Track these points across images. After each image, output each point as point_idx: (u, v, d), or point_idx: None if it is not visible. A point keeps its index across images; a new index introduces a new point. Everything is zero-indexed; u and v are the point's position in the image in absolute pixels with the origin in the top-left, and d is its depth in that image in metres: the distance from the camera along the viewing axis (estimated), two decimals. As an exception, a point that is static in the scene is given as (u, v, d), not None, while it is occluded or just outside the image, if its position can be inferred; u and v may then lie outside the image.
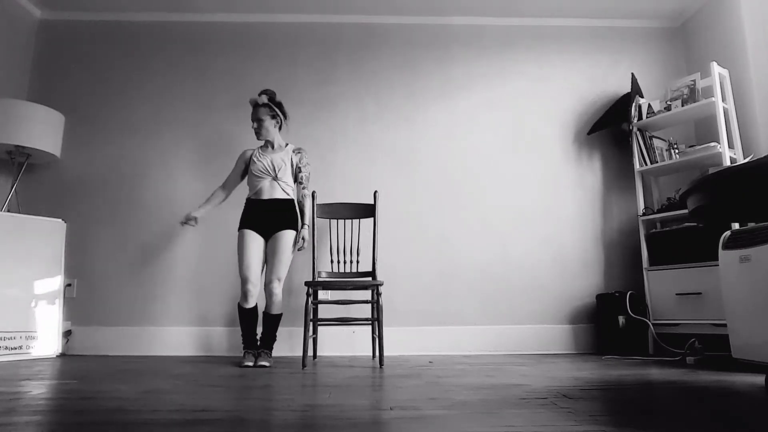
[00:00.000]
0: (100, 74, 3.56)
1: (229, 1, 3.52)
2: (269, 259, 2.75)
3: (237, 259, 2.77)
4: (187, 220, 2.82)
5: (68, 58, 3.58)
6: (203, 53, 3.61)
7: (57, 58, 3.58)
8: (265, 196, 2.80)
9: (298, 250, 2.78)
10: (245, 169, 2.92)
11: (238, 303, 2.73)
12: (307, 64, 3.61)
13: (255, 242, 2.74)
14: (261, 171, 2.80)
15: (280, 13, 3.64)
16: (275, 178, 2.80)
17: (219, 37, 3.64)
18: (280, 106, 2.92)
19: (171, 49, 3.61)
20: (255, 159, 2.85)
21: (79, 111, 3.49)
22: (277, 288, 2.70)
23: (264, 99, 2.86)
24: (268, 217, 2.77)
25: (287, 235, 2.75)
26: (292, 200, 2.84)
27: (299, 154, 2.90)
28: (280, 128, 2.94)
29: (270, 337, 2.73)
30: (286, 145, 2.94)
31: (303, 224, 2.79)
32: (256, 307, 2.74)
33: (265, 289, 2.72)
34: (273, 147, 2.90)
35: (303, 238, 2.75)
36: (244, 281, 2.69)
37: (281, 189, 2.82)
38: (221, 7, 3.57)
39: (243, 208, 2.85)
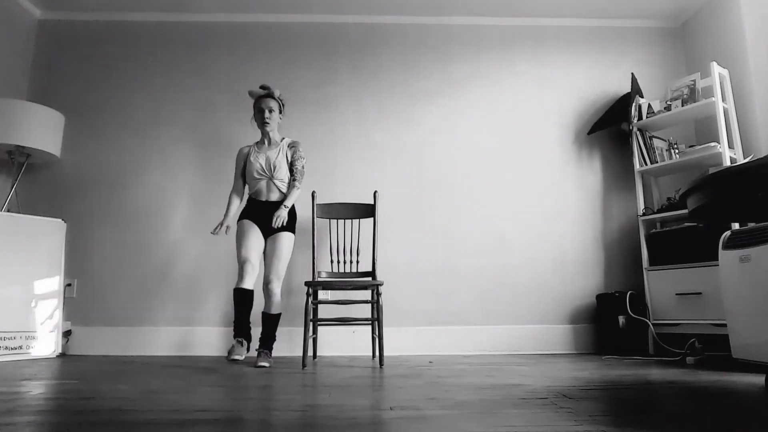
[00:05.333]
0: (100, 74, 3.56)
1: (229, 1, 3.52)
2: (267, 258, 2.74)
3: (236, 246, 2.75)
4: (221, 227, 2.76)
5: (68, 58, 3.58)
6: (203, 53, 3.61)
7: (57, 58, 3.58)
8: (263, 197, 2.81)
9: (273, 225, 2.67)
10: (245, 167, 2.89)
11: (234, 287, 2.65)
12: (307, 64, 3.61)
13: (254, 231, 2.76)
14: (258, 172, 2.80)
15: (280, 13, 3.64)
16: (271, 179, 2.80)
17: (219, 37, 3.64)
18: (282, 102, 2.93)
19: (171, 49, 3.61)
20: (251, 159, 2.83)
21: (79, 111, 3.49)
22: (276, 287, 2.69)
23: (278, 92, 2.87)
24: (266, 217, 2.77)
25: (285, 237, 2.76)
26: None
27: (293, 148, 2.87)
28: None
29: (269, 337, 2.73)
30: (282, 140, 2.91)
31: (281, 205, 2.72)
32: (252, 292, 2.68)
33: (263, 289, 2.70)
34: (269, 143, 2.88)
35: (278, 214, 2.67)
36: (243, 262, 2.65)
37: (278, 189, 2.82)
38: (221, 7, 3.57)
39: (246, 202, 2.89)
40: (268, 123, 2.83)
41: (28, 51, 3.54)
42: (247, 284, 2.65)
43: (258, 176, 2.80)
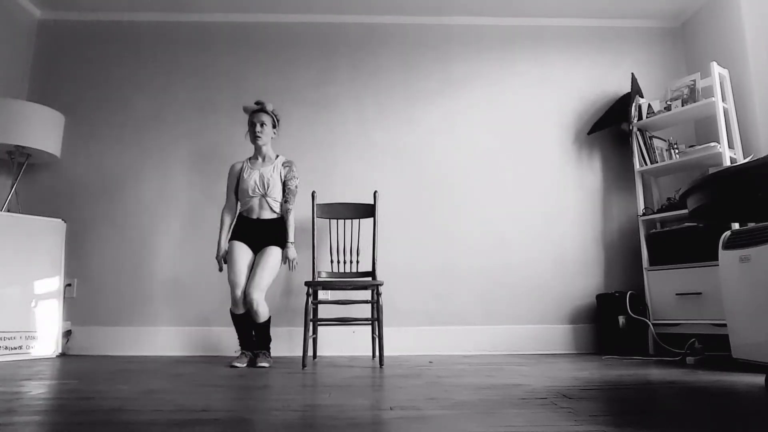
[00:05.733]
0: (100, 74, 3.56)
1: (229, 1, 3.52)
2: (252, 270, 2.71)
3: (227, 269, 2.74)
4: (220, 262, 2.80)
5: (68, 58, 3.58)
6: (203, 53, 3.61)
7: (57, 58, 3.58)
8: (254, 215, 2.79)
9: (291, 270, 2.78)
10: (238, 183, 2.86)
11: (230, 309, 2.72)
12: (307, 64, 3.61)
13: (244, 252, 2.74)
14: (252, 189, 2.77)
15: (280, 13, 3.64)
16: (265, 196, 2.78)
17: (219, 37, 3.64)
18: (276, 117, 2.92)
19: (171, 49, 3.61)
20: (245, 176, 2.81)
21: (79, 111, 3.49)
22: (258, 297, 2.63)
23: (270, 106, 2.88)
24: (257, 235, 2.77)
25: (273, 250, 2.74)
26: (281, 218, 2.83)
27: (288, 167, 2.86)
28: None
29: (265, 339, 2.74)
30: (276, 157, 2.91)
31: (287, 243, 2.76)
32: (247, 312, 2.73)
33: (245, 300, 2.65)
34: (263, 159, 2.87)
35: (290, 259, 2.74)
36: (233, 287, 2.67)
37: (269, 208, 2.80)
38: (221, 7, 3.57)
39: (235, 222, 2.86)
40: (259, 137, 2.82)
41: (28, 51, 3.54)
42: (241, 310, 2.70)
43: (252, 194, 2.77)
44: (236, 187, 2.87)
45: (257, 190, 2.77)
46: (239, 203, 2.87)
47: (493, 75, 3.64)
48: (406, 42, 3.67)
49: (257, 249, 2.78)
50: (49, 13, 3.62)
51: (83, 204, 3.37)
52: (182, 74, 3.58)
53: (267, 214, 2.80)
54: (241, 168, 2.85)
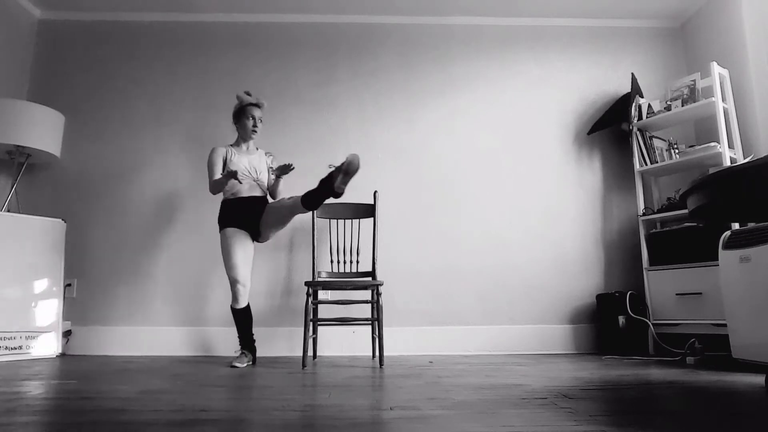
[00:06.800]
0: (100, 74, 3.56)
1: (229, 1, 3.52)
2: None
3: (223, 258, 2.74)
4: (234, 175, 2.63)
5: (68, 58, 3.58)
6: (203, 53, 3.61)
7: (57, 58, 3.58)
8: (245, 194, 2.81)
9: (278, 170, 2.79)
10: (224, 165, 2.82)
11: (231, 305, 2.73)
12: (307, 64, 3.61)
13: (240, 243, 2.73)
14: (243, 173, 2.78)
15: (280, 13, 3.64)
16: (255, 180, 2.83)
17: (219, 37, 3.64)
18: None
19: (171, 49, 3.61)
20: (234, 160, 2.82)
21: (79, 111, 3.49)
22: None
23: (265, 104, 2.95)
24: (251, 210, 2.78)
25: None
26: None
27: (271, 157, 3.00)
28: None
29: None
30: (257, 148, 2.98)
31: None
32: (248, 307, 2.75)
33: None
34: (247, 148, 2.93)
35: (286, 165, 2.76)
36: (232, 282, 2.71)
37: (260, 188, 2.86)
38: (221, 7, 3.57)
39: (220, 209, 2.83)
40: (256, 131, 2.91)
41: (28, 51, 3.54)
42: (241, 304, 2.72)
43: (242, 177, 2.78)
44: (223, 168, 2.81)
45: (248, 174, 2.81)
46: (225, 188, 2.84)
47: (493, 75, 3.64)
48: (406, 42, 3.67)
49: (253, 226, 2.77)
50: (49, 13, 3.62)
51: (83, 204, 3.37)
52: (182, 74, 3.58)
53: (258, 193, 2.85)
54: (227, 153, 2.86)
